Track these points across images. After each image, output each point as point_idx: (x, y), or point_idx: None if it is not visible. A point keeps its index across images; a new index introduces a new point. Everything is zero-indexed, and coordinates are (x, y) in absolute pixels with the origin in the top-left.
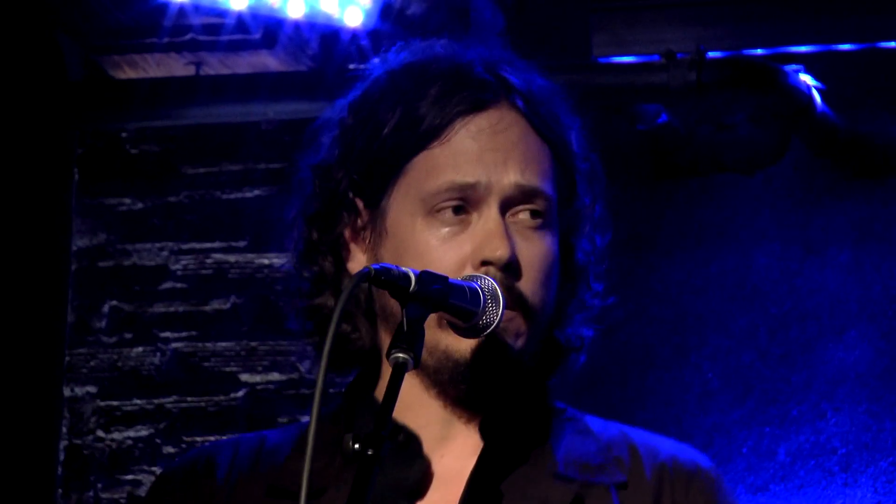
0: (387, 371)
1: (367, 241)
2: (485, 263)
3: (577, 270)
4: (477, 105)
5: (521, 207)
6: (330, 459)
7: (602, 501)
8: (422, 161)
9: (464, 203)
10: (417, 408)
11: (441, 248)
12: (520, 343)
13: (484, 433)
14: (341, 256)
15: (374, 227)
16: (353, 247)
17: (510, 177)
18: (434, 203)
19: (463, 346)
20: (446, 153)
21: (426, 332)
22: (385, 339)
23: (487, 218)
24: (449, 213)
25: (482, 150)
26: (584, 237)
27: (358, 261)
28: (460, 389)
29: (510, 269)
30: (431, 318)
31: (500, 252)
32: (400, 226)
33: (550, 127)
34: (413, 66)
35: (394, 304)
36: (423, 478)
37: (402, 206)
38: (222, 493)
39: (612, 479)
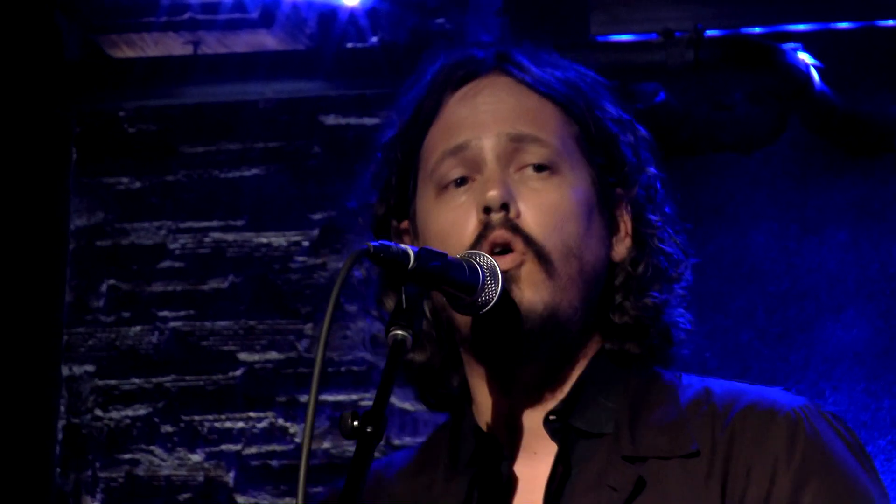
0: (482, 400)
1: None
2: (486, 212)
3: (635, 236)
4: (465, 78)
5: (523, 160)
6: (431, 478)
7: (668, 477)
8: (425, 146)
9: (465, 173)
10: (490, 406)
11: (454, 220)
12: (541, 296)
13: (557, 420)
14: None
15: (413, 236)
16: None
17: (498, 127)
18: (439, 179)
19: (466, 322)
20: (441, 127)
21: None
22: (472, 373)
23: (484, 173)
24: (453, 187)
25: (469, 113)
26: (641, 198)
27: None
28: (504, 364)
29: (511, 210)
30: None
31: (491, 192)
32: (422, 215)
33: (555, 87)
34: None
35: (464, 322)
36: (509, 482)
37: (420, 196)
38: None
39: (684, 449)
